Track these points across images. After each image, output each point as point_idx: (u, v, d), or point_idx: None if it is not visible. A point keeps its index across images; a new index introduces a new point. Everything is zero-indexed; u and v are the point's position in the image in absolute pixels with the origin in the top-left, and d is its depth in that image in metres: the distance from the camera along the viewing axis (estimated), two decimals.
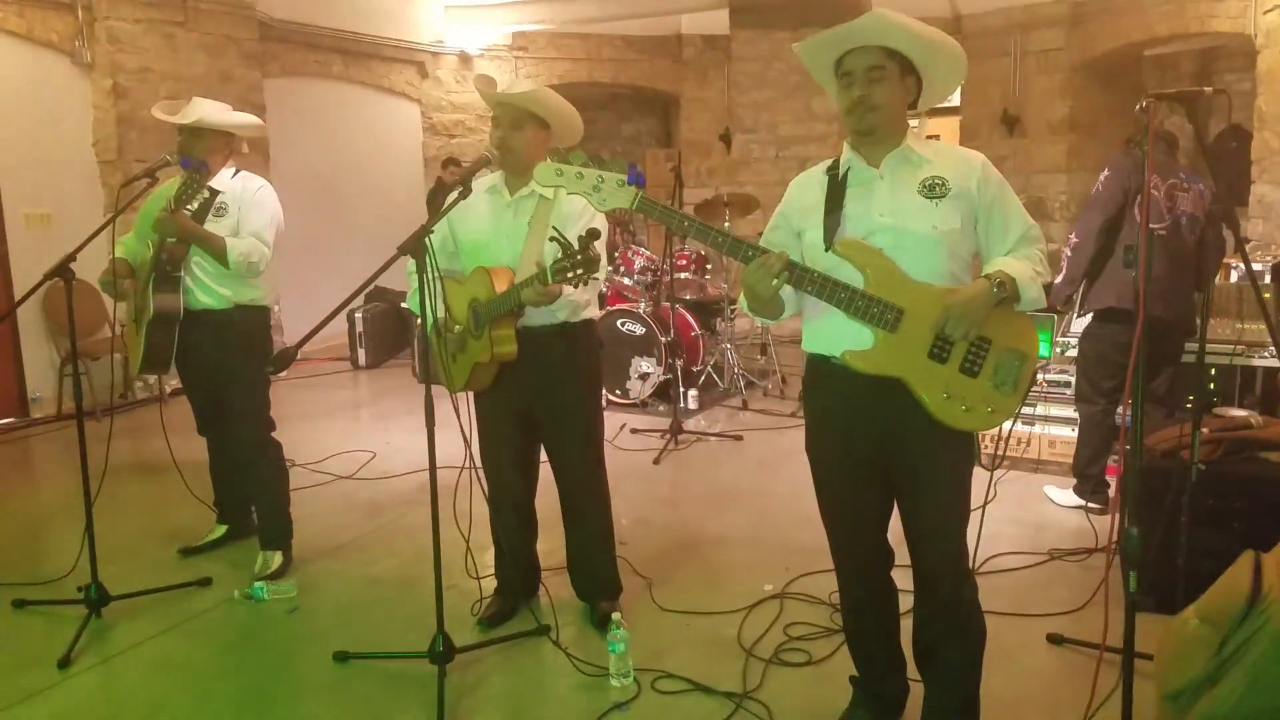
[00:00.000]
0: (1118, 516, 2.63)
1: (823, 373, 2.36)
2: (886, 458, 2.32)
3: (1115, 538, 2.68)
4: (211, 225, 3.52)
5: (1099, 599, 3.17)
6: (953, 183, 2.23)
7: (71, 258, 3.20)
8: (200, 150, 3.57)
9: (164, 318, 3.54)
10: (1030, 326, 2.25)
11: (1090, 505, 4.20)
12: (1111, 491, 4.14)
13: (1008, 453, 4.85)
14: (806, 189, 2.38)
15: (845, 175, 2.30)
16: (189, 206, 3.41)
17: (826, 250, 2.23)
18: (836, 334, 2.26)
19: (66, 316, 3.29)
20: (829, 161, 2.37)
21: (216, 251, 3.50)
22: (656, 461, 5.26)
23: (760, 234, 2.52)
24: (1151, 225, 3.93)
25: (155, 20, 6.98)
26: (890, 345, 2.18)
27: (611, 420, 5.60)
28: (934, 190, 2.22)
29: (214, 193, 3.55)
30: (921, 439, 2.25)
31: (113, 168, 6.83)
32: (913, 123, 2.37)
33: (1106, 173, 4.05)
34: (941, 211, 2.21)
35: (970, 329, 2.15)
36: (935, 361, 2.18)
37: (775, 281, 2.15)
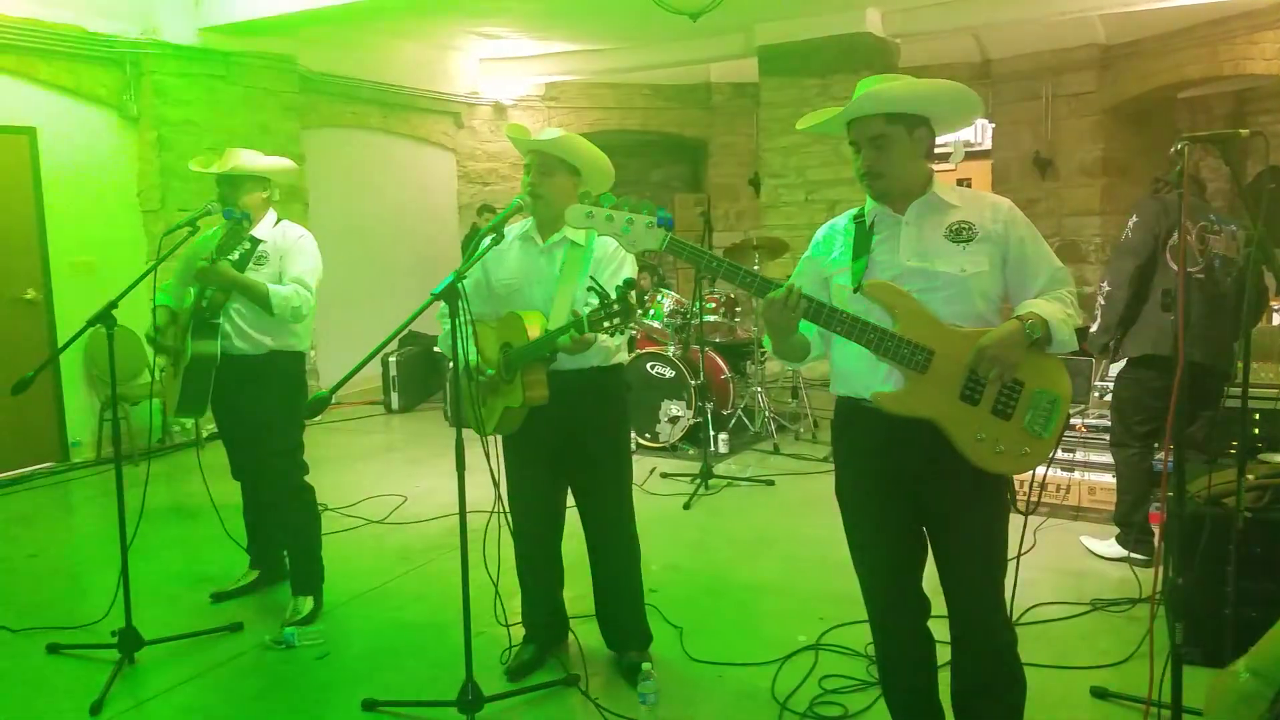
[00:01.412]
0: (1162, 565, 2.57)
1: (852, 415, 2.35)
2: (919, 501, 2.30)
3: (1160, 587, 2.62)
4: (252, 274, 3.58)
5: (1144, 651, 3.08)
6: (979, 227, 2.24)
7: (113, 305, 3.28)
8: (239, 196, 3.66)
9: (201, 363, 3.59)
10: (1062, 369, 2.24)
11: (1134, 556, 4.05)
12: (1156, 540, 4.03)
13: (1044, 499, 4.76)
14: (833, 235, 2.41)
15: (872, 222, 2.32)
16: (230, 257, 3.48)
17: (855, 292, 2.24)
18: (865, 376, 2.26)
19: (107, 362, 3.36)
20: (855, 210, 2.40)
21: (260, 298, 3.55)
22: (687, 506, 5.22)
23: (789, 276, 2.52)
24: (1186, 269, 3.87)
25: (199, 74, 7.18)
26: (921, 386, 2.17)
27: (641, 464, 5.57)
28: (960, 234, 2.23)
29: (255, 242, 3.62)
30: (954, 482, 2.23)
31: (156, 217, 6.99)
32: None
33: (1135, 219, 4.01)
34: (969, 255, 2.22)
35: (1005, 370, 2.14)
36: (967, 403, 2.17)
37: (795, 310, 2.15)
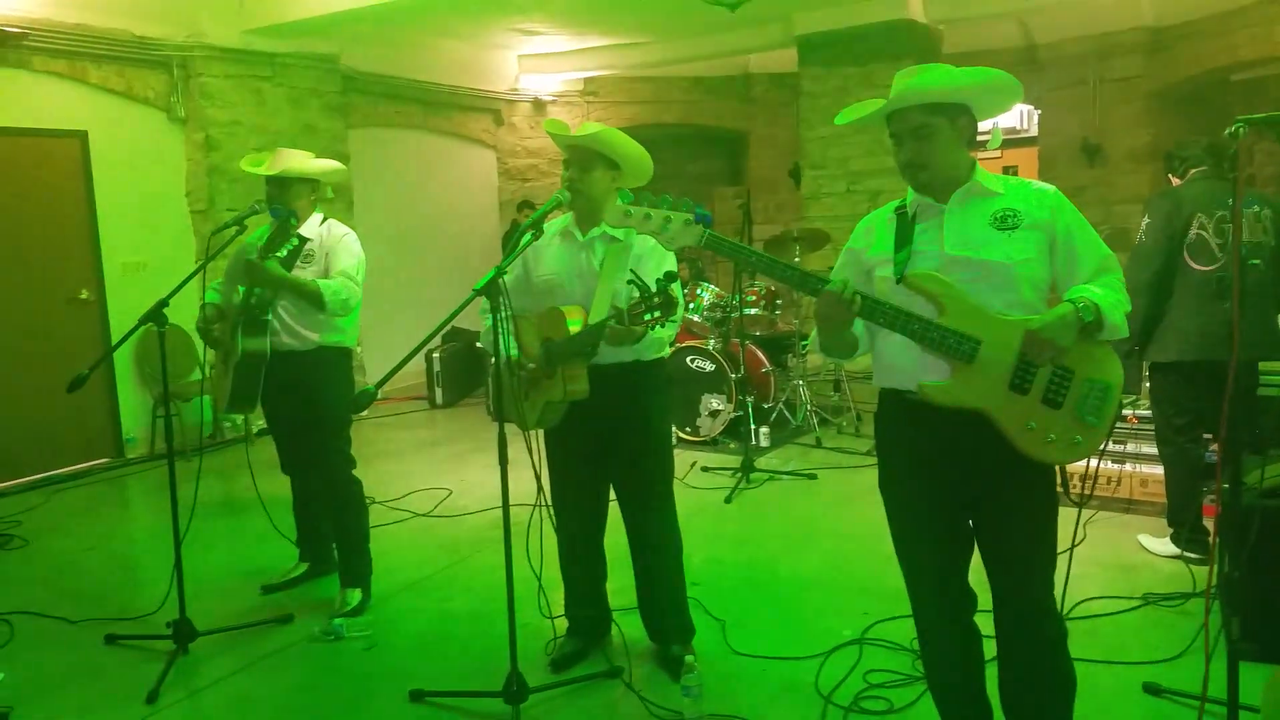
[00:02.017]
0: (1216, 559, 2.51)
1: (897, 407, 2.33)
2: (966, 494, 2.27)
3: (1215, 581, 2.56)
4: (299, 271, 3.64)
5: (1198, 646, 3.02)
6: (1025, 214, 2.21)
7: (164, 304, 3.35)
8: (288, 198, 3.71)
9: (251, 359, 3.66)
10: (1113, 356, 2.20)
11: (1188, 555, 3.94)
12: (1211, 538, 3.92)
13: (1095, 492, 4.67)
14: (875, 226, 2.39)
15: (915, 213, 2.29)
16: (277, 254, 3.53)
17: (898, 283, 2.21)
18: (911, 367, 2.23)
19: (159, 360, 3.43)
20: (897, 201, 2.37)
21: (310, 295, 3.60)
22: (728, 500, 5.21)
23: (831, 269, 2.51)
24: (1204, 268, 3.73)
25: (244, 76, 7.30)
26: (969, 377, 2.14)
27: (682, 458, 5.57)
28: (1005, 222, 2.20)
29: (302, 240, 3.67)
30: (1003, 473, 2.20)
31: (204, 217, 7.12)
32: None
33: (1146, 219, 3.85)
34: (1015, 242, 2.19)
35: (1057, 354, 2.11)
36: (1016, 393, 2.14)
37: (852, 306, 2.13)
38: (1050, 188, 2.27)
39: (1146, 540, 4.18)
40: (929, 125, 2.19)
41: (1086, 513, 4.17)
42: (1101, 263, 2.23)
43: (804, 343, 6.85)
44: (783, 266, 2.25)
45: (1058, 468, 2.26)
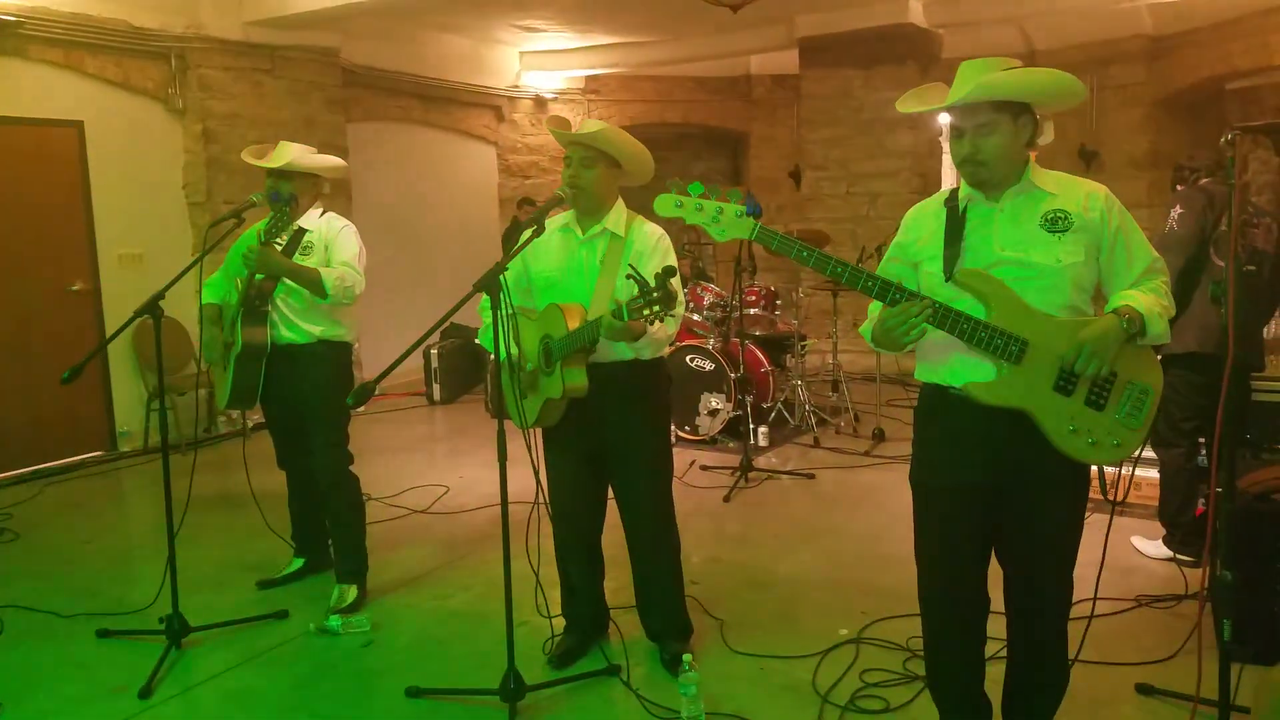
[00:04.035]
0: (1209, 562, 2.52)
1: (939, 403, 2.33)
2: (999, 493, 2.27)
3: (1207, 584, 2.57)
4: (299, 262, 3.61)
5: (1191, 648, 3.03)
6: (1075, 216, 2.20)
7: (160, 296, 3.31)
8: (287, 191, 3.69)
9: (252, 352, 3.64)
10: (1154, 361, 2.22)
11: (1180, 557, 3.95)
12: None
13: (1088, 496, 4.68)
14: (923, 221, 2.37)
15: (965, 208, 2.28)
16: (278, 241, 3.50)
17: (946, 281, 2.21)
18: (956, 364, 2.24)
19: (154, 352, 3.40)
20: (946, 192, 2.36)
21: (311, 282, 3.57)
22: (727, 499, 5.21)
23: (879, 263, 2.50)
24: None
25: (244, 68, 7.28)
26: (1014, 377, 2.16)
27: (681, 457, 5.56)
28: (1056, 224, 2.19)
29: (302, 230, 3.65)
30: (1039, 474, 2.22)
31: (201, 209, 7.09)
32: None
33: (1179, 209, 3.87)
34: (1065, 245, 2.19)
35: (1101, 366, 2.12)
36: (1060, 395, 2.16)
37: (919, 329, 2.13)
38: (1101, 189, 2.26)
39: (1139, 542, 4.20)
40: (993, 122, 2.17)
41: None
42: (1149, 265, 2.25)
43: (803, 344, 6.86)
44: (833, 263, 2.22)
45: (1095, 473, 2.29)
